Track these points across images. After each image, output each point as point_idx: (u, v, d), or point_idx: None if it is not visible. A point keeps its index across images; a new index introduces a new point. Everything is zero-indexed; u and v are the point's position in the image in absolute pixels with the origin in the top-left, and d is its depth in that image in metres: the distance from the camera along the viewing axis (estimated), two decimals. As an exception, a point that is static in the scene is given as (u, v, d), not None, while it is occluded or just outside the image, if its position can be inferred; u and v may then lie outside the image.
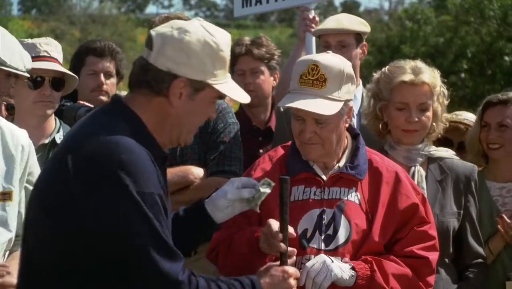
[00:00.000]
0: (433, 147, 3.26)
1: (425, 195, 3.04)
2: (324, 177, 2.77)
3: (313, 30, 3.78)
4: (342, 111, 2.72)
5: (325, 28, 3.70)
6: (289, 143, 2.88)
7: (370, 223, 2.72)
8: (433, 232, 2.80)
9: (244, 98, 2.42)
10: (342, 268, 2.61)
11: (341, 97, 2.71)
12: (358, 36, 3.75)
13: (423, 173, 3.18)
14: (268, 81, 4.04)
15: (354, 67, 3.73)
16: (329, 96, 2.68)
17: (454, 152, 3.35)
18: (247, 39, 4.06)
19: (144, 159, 2.16)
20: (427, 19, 26.29)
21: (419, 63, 3.19)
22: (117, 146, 2.14)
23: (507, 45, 23.47)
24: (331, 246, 2.68)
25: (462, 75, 23.82)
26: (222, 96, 2.38)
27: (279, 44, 4.35)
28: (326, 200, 2.74)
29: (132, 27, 41.83)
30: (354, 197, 2.75)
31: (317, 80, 2.68)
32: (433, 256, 2.77)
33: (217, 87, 2.31)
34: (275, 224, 2.55)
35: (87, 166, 2.13)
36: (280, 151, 2.88)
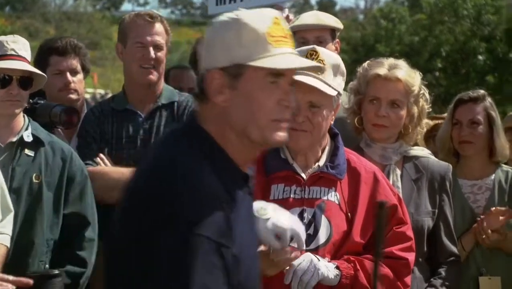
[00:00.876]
0: (408, 146, 3.26)
1: (400, 195, 3.04)
2: (304, 176, 2.74)
3: (291, 25, 3.76)
4: (333, 101, 2.69)
5: (305, 24, 3.69)
6: None
7: (350, 224, 2.71)
8: (410, 233, 2.81)
9: (303, 63, 2.10)
10: (328, 267, 2.60)
11: (335, 88, 2.68)
12: (332, 32, 3.75)
13: (398, 172, 3.18)
14: None
15: None
16: (327, 82, 2.64)
17: (429, 152, 3.35)
18: None
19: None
20: (402, 18, 26.45)
21: (400, 62, 3.19)
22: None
23: (481, 44, 23.69)
24: (312, 246, 2.65)
25: (437, 73, 24.00)
26: (274, 72, 1.95)
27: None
28: (306, 199, 2.72)
29: (107, 24, 41.59)
30: (333, 197, 2.73)
31: (318, 62, 2.63)
32: (412, 257, 2.79)
33: (255, 63, 1.93)
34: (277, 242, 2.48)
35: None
36: None
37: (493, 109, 3.62)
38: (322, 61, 2.64)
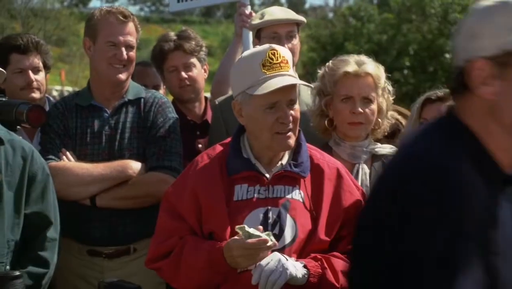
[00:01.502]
0: (378, 144, 3.24)
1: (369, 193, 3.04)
2: (267, 175, 2.70)
3: (254, 23, 3.73)
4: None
5: (278, 19, 3.66)
6: (228, 140, 2.81)
7: (315, 221, 2.67)
8: None
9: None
10: (296, 267, 2.56)
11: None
12: (298, 27, 3.74)
13: (367, 170, 3.15)
14: (200, 73, 3.98)
15: (296, 58, 3.72)
16: (296, 77, 2.65)
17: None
18: (172, 34, 3.98)
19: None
20: (370, 16, 26.61)
21: (362, 57, 3.17)
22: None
23: (448, 42, 23.94)
24: (278, 246, 2.61)
25: (405, 72, 24.22)
26: None
27: (225, 39, 4.26)
28: (270, 199, 2.67)
29: (75, 21, 41.12)
30: (297, 195, 2.70)
31: (282, 62, 2.62)
32: None
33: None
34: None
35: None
36: (218, 149, 2.79)
37: None
38: (284, 56, 2.64)
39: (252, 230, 2.49)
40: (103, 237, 3.38)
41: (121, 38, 3.40)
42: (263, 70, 2.60)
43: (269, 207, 2.65)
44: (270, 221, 2.63)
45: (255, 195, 2.66)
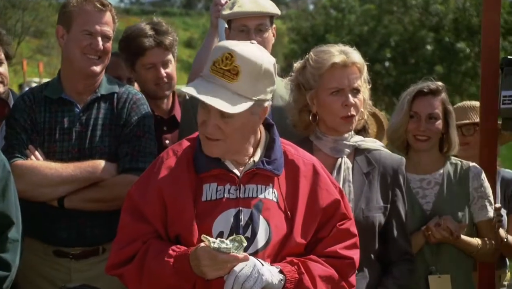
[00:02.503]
0: (360, 138, 3.10)
1: (351, 188, 2.90)
2: (238, 173, 2.53)
3: (224, 13, 3.56)
4: (252, 110, 2.45)
5: (246, 11, 3.49)
6: (196, 134, 2.62)
7: (290, 223, 2.52)
8: (354, 229, 2.64)
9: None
10: (271, 272, 2.41)
11: (253, 96, 2.44)
12: (271, 19, 3.57)
13: (349, 165, 3.01)
14: (175, 69, 3.85)
15: (268, 50, 3.56)
16: (239, 92, 2.41)
17: (382, 144, 3.20)
18: (148, 28, 3.76)
19: None
20: (352, 8, 26.52)
21: (342, 46, 3.03)
22: None
23: (429, 34, 23.92)
24: (250, 250, 2.45)
25: (386, 63, 24.19)
26: None
27: (206, 32, 4.11)
28: (242, 199, 2.50)
29: (53, 12, 40.66)
30: (271, 194, 2.53)
31: (228, 71, 2.40)
32: (356, 256, 2.62)
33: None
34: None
35: None
36: (185, 144, 2.61)
37: (448, 102, 3.49)
38: (237, 67, 2.41)
39: (221, 245, 2.30)
40: (70, 238, 3.23)
41: (97, 27, 3.23)
42: (210, 68, 2.45)
43: (241, 208, 2.49)
44: (241, 223, 2.47)
45: (225, 195, 2.49)
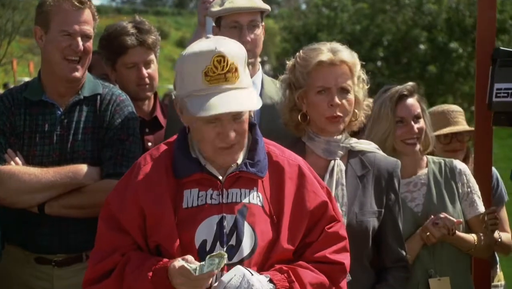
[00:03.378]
0: (354, 140, 3.00)
1: (344, 192, 2.81)
2: (220, 177, 2.41)
3: (214, 10, 3.44)
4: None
5: (239, 7, 3.38)
6: (173, 138, 2.50)
7: (277, 228, 2.40)
8: (344, 232, 2.54)
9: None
10: (261, 282, 2.30)
11: (249, 85, 2.39)
12: (262, 15, 3.47)
13: (343, 167, 2.91)
14: (156, 69, 3.73)
15: (259, 49, 3.46)
16: (243, 86, 2.34)
17: (376, 146, 3.10)
18: (130, 26, 3.64)
19: None
20: (344, 7, 26.46)
21: (335, 44, 2.93)
22: None
23: (422, 33, 23.90)
24: (235, 259, 2.34)
25: (379, 63, 24.14)
26: None
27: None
28: (225, 205, 2.38)
29: (44, 12, 40.51)
30: (255, 198, 2.41)
31: (229, 72, 2.30)
32: (347, 260, 2.52)
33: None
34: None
35: None
36: (162, 148, 2.49)
37: (422, 100, 3.41)
38: (233, 64, 2.31)
39: (204, 270, 2.20)
40: (52, 245, 3.12)
41: (76, 27, 3.10)
42: (205, 80, 2.30)
43: (224, 215, 2.37)
44: (225, 230, 2.35)
45: (207, 201, 2.37)
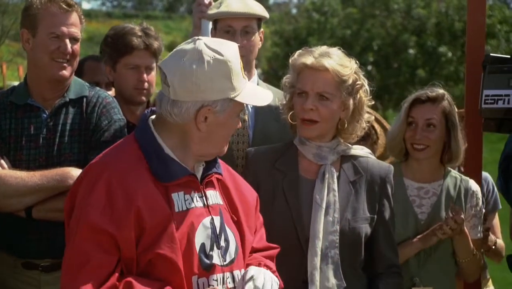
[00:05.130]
0: (348, 145, 2.96)
1: (336, 197, 2.79)
2: (198, 179, 2.38)
3: (211, 12, 3.43)
4: None
5: (233, 12, 3.36)
6: (120, 142, 2.42)
7: (239, 226, 2.42)
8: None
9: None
10: (272, 278, 2.39)
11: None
12: (259, 22, 3.45)
13: (334, 173, 2.87)
14: (155, 77, 3.69)
15: (253, 55, 3.44)
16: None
17: (369, 151, 3.08)
18: (138, 29, 3.62)
19: None
20: (334, 11, 26.51)
21: (333, 50, 2.89)
22: None
23: (411, 38, 23.96)
24: (228, 259, 2.33)
25: (369, 67, 24.19)
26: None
27: (188, 35, 4.01)
28: (210, 206, 2.36)
29: (34, 16, 40.32)
30: (220, 199, 2.41)
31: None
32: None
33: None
34: None
35: None
36: (123, 156, 2.33)
37: (452, 110, 3.36)
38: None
39: None
40: (40, 249, 3.08)
41: (64, 29, 3.08)
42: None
43: (212, 216, 2.34)
44: (217, 232, 2.33)
45: (195, 203, 2.33)
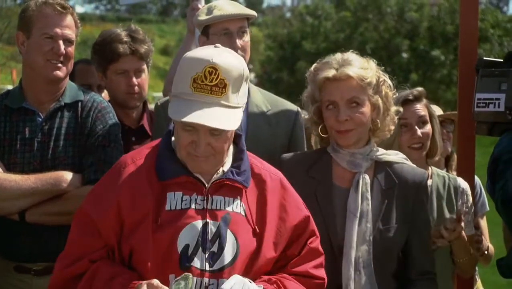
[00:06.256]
0: (381, 150, 2.94)
1: (370, 206, 2.77)
2: (205, 183, 2.39)
3: (202, 19, 3.43)
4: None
5: (230, 14, 3.38)
6: (157, 141, 2.48)
7: (259, 238, 2.39)
8: (321, 248, 2.56)
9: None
10: None
11: (239, 103, 2.35)
12: (248, 21, 3.46)
13: (368, 180, 2.84)
14: (147, 79, 3.72)
15: (247, 55, 3.45)
16: (229, 104, 2.30)
17: (404, 156, 3.05)
18: (124, 35, 3.64)
19: None
20: (328, 15, 26.59)
21: (350, 55, 2.88)
22: None
23: (404, 41, 24.04)
24: (216, 266, 2.32)
25: (362, 71, 24.28)
26: None
27: (182, 39, 4.04)
28: (210, 211, 2.36)
29: (27, 19, 40.21)
30: (239, 207, 2.40)
31: (216, 86, 2.27)
32: (325, 275, 2.54)
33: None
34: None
35: None
36: (144, 152, 2.46)
37: (428, 103, 3.45)
38: (223, 79, 2.29)
39: None
40: (32, 253, 3.07)
41: (58, 30, 3.09)
42: (191, 86, 2.28)
43: (208, 220, 2.35)
44: (208, 236, 2.33)
45: (192, 205, 2.34)
